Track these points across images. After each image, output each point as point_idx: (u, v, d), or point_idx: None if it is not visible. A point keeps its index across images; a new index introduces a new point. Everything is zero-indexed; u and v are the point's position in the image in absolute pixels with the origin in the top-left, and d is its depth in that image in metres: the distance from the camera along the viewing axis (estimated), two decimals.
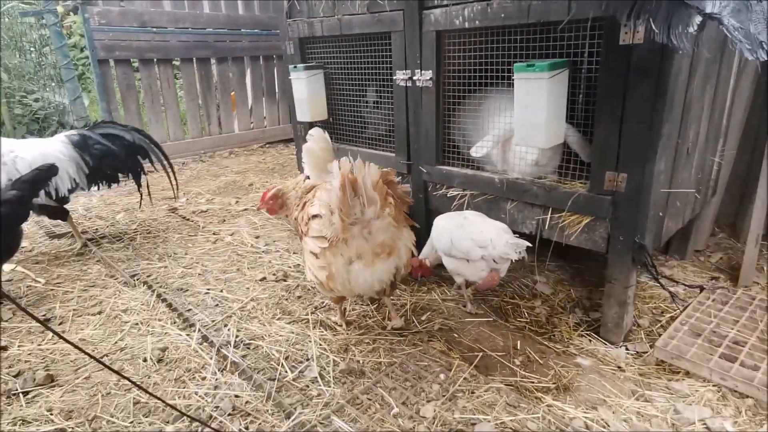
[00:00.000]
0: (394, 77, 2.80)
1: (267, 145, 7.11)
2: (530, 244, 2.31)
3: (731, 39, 1.37)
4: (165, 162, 3.62)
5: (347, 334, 2.43)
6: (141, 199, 3.74)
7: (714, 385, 2.00)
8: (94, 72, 5.33)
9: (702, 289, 2.67)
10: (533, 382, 2.07)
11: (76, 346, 1.34)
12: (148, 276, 3.09)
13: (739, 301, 2.52)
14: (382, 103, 3.26)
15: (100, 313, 2.70)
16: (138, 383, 1.70)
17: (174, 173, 3.68)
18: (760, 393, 1.90)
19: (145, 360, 2.28)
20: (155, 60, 5.86)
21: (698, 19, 1.40)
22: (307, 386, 2.08)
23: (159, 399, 1.65)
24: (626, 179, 2.04)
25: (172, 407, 1.79)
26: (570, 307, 2.63)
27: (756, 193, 2.67)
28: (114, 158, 3.42)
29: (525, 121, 2.14)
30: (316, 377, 2.12)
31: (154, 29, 5.70)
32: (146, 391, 1.59)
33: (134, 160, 3.53)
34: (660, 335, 2.27)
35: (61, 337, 1.33)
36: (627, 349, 2.28)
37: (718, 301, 2.53)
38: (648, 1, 1.49)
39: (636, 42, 1.82)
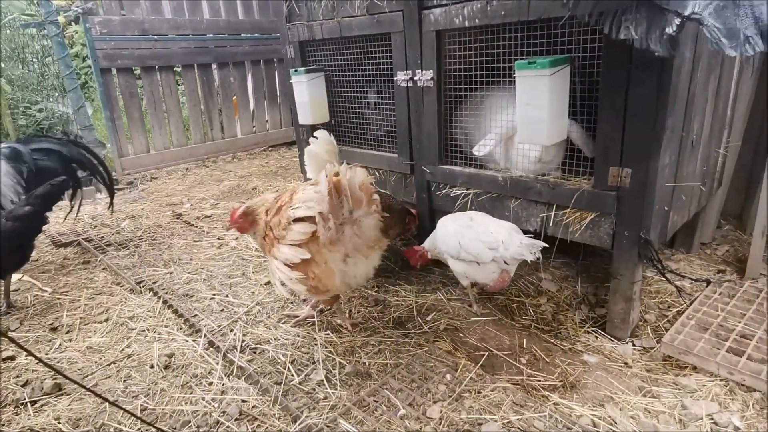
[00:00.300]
0: (395, 78, 2.80)
1: (270, 149, 7.13)
2: (546, 245, 2.27)
3: (710, 39, 1.35)
4: (105, 176, 3.60)
5: (353, 336, 2.43)
6: (77, 212, 3.61)
7: (721, 380, 1.98)
8: (97, 81, 5.36)
9: (709, 282, 2.65)
10: (540, 381, 2.06)
11: (46, 364, 1.35)
12: (154, 282, 3.10)
13: (746, 294, 2.50)
14: (383, 104, 3.26)
15: (107, 320, 2.72)
16: (98, 393, 1.70)
17: (112, 187, 3.67)
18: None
19: (152, 366, 2.29)
20: (157, 67, 5.89)
21: (677, 21, 1.38)
22: (314, 389, 2.08)
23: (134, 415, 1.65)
24: (631, 174, 2.03)
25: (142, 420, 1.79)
26: (576, 304, 2.61)
27: (761, 184, 2.65)
28: (48, 172, 3.29)
29: (527, 118, 2.13)
30: (323, 380, 2.12)
31: (155, 37, 5.73)
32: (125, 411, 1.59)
33: (71, 173, 3.44)
34: (667, 330, 2.25)
35: (33, 355, 1.32)
36: (634, 345, 2.27)
37: (725, 295, 2.51)
38: (628, 9, 1.48)
39: None
